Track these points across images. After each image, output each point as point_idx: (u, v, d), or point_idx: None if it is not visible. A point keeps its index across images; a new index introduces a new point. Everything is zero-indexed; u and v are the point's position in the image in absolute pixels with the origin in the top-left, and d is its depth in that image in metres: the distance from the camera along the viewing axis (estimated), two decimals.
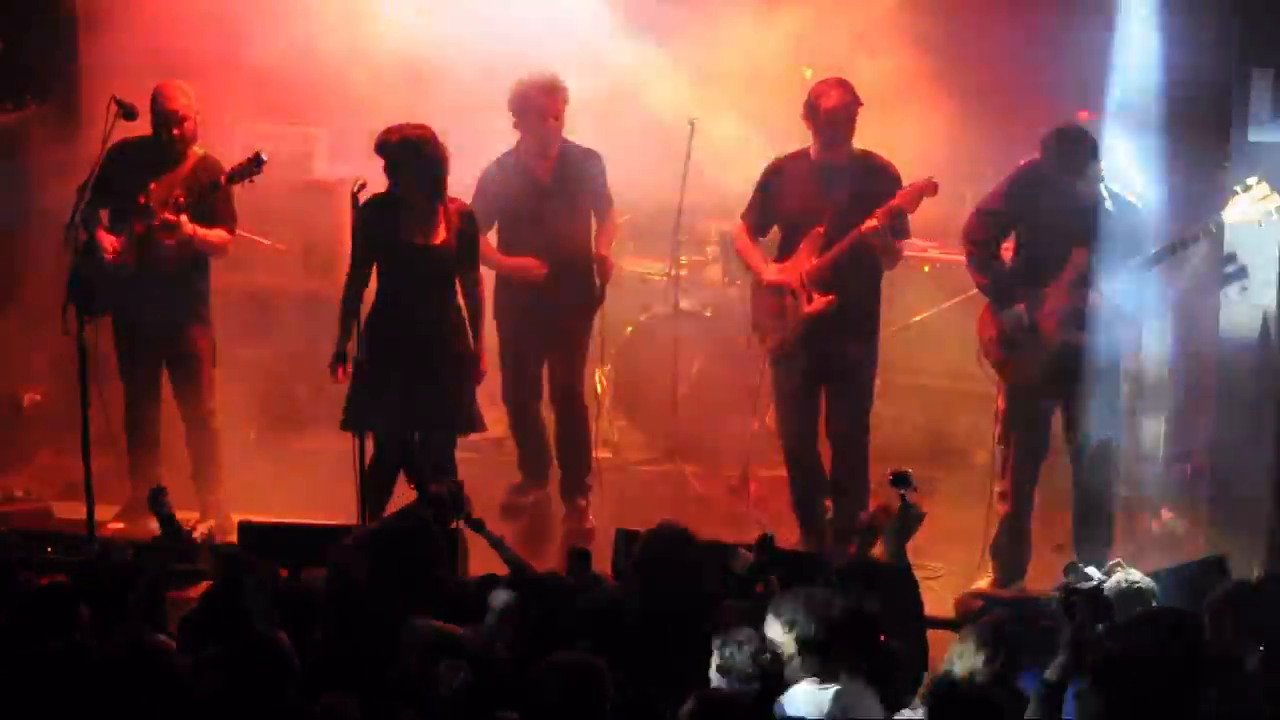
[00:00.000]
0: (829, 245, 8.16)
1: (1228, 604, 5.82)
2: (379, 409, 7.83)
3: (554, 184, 8.63)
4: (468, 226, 7.93)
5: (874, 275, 8.31)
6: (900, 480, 6.41)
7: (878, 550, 6.40)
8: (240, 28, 9.52)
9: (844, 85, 8.13)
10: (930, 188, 8.07)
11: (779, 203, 8.33)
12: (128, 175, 8.32)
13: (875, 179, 8.16)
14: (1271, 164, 8.13)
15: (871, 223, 8.04)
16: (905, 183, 8.16)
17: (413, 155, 7.69)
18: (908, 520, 6.33)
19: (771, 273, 8.32)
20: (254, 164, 8.12)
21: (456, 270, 7.93)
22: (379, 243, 7.84)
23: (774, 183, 8.35)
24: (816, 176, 8.20)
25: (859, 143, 8.22)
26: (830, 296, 8.18)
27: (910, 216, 8.17)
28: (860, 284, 8.23)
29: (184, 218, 8.15)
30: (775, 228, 8.49)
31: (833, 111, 8.08)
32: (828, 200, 8.16)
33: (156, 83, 8.36)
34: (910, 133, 8.85)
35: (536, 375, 8.89)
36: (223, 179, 8.16)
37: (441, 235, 7.85)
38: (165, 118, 8.27)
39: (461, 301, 7.97)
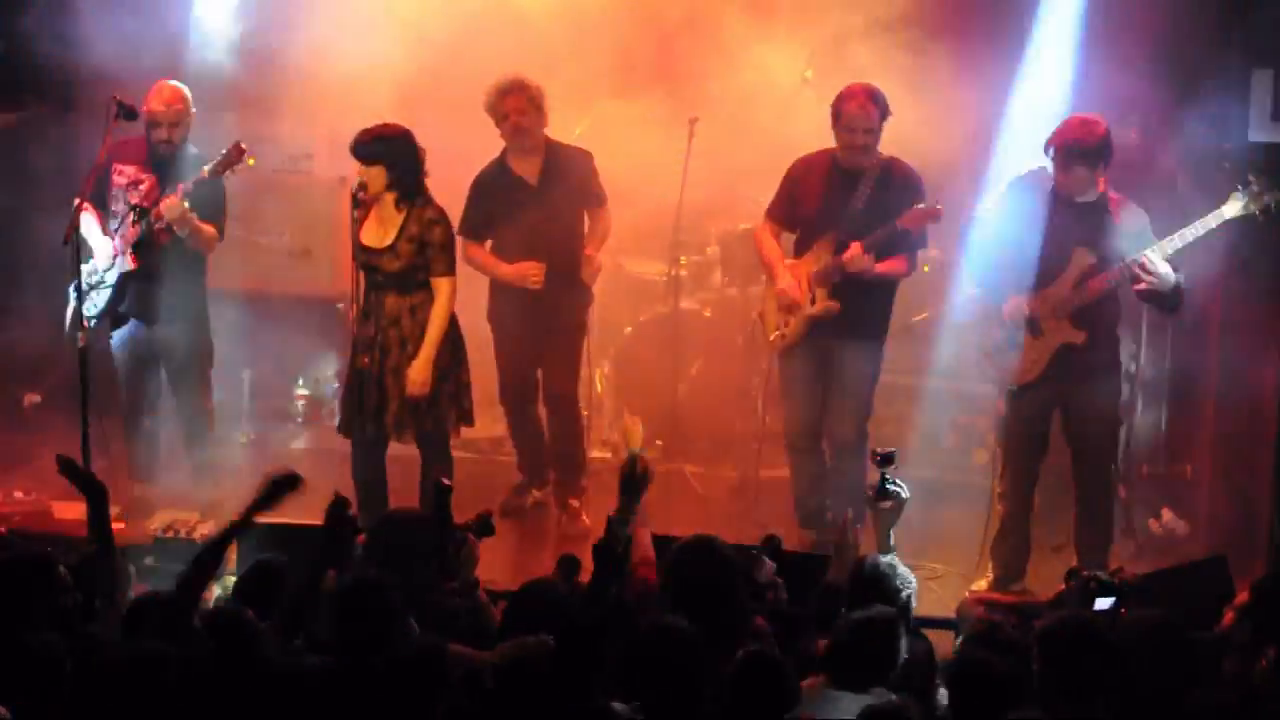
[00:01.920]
0: (842, 247, 8.15)
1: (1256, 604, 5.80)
2: (356, 413, 7.99)
3: (542, 185, 8.62)
4: (435, 232, 7.88)
5: (885, 283, 8.29)
6: (885, 459, 6.41)
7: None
8: (240, 28, 9.52)
9: (868, 93, 8.05)
10: (935, 214, 8.04)
11: (800, 201, 8.31)
12: (123, 175, 8.34)
13: (895, 189, 8.10)
14: (1272, 164, 8.13)
15: (849, 254, 8.02)
16: (927, 194, 8.13)
17: (380, 155, 7.74)
18: (889, 500, 6.32)
19: (785, 280, 8.27)
20: (233, 156, 8.12)
21: (420, 275, 7.90)
22: (354, 245, 7.94)
23: (798, 181, 8.32)
24: (837, 180, 8.17)
25: None
26: (834, 303, 8.17)
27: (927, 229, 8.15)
28: (869, 294, 8.20)
29: (186, 203, 8.15)
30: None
31: (850, 117, 8.05)
32: (845, 205, 8.14)
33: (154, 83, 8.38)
34: (911, 131, 8.84)
35: (532, 377, 8.88)
36: (205, 172, 8.16)
37: (392, 238, 7.86)
38: (152, 121, 8.28)
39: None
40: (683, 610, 5.71)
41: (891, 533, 6.42)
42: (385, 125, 7.82)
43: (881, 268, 8.12)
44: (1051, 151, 7.79)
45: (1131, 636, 5.45)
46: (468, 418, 8.15)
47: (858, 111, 8.05)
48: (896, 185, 8.14)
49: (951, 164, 8.99)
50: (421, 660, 5.16)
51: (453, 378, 8.03)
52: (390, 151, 7.77)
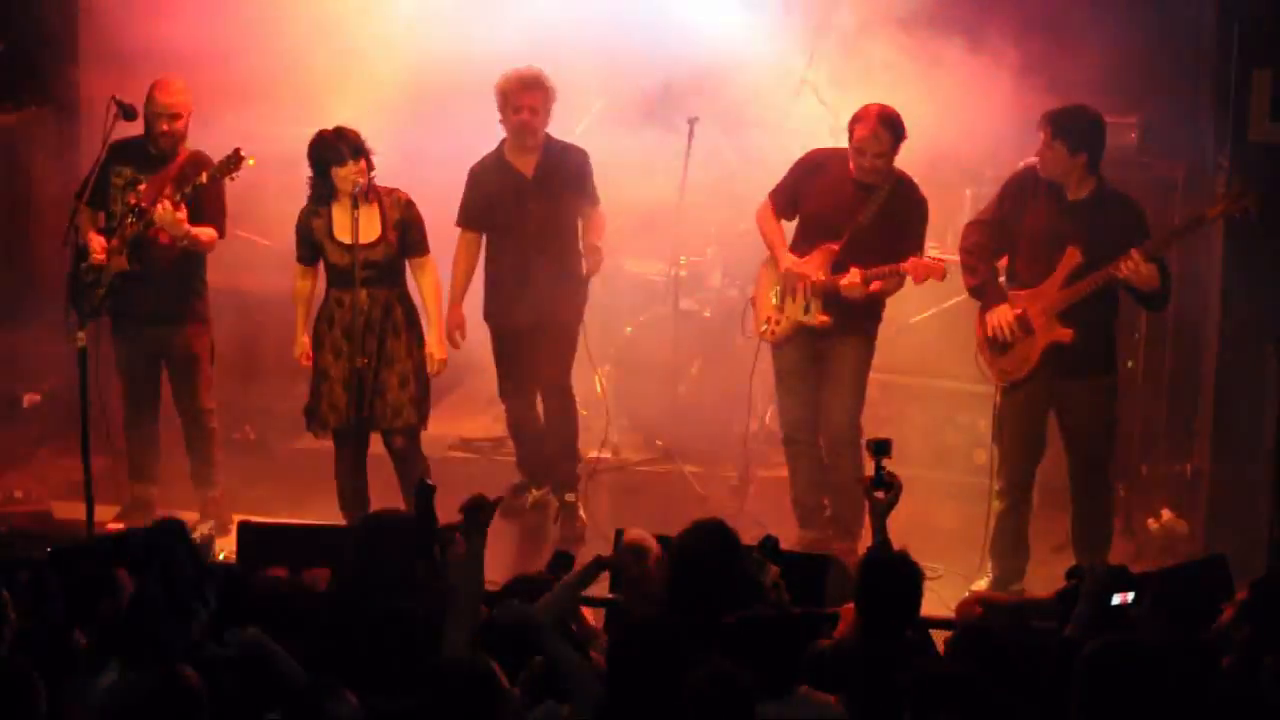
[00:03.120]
0: (838, 266, 8.17)
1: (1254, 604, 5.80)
2: (332, 410, 8.03)
3: (539, 178, 8.62)
4: (414, 212, 8.06)
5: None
6: (880, 448, 6.42)
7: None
8: (240, 28, 9.52)
9: (881, 116, 8.04)
10: (938, 273, 8.14)
11: (807, 198, 8.33)
12: (121, 175, 8.35)
13: (903, 211, 8.15)
14: (1272, 164, 8.14)
15: (847, 280, 8.08)
16: (928, 221, 8.24)
17: (364, 152, 7.86)
18: (885, 491, 6.33)
19: (789, 259, 8.32)
20: (233, 160, 8.14)
21: (403, 261, 8.06)
22: (313, 242, 8.07)
23: (809, 175, 8.33)
24: (848, 189, 8.18)
25: None
26: (826, 318, 8.22)
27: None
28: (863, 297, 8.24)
29: (182, 210, 8.16)
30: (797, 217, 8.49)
31: (861, 141, 8.06)
32: (851, 216, 8.16)
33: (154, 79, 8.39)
34: (911, 129, 8.85)
35: (529, 372, 8.89)
36: (204, 177, 8.17)
37: (379, 230, 7.96)
38: (157, 113, 8.29)
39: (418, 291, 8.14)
40: (684, 588, 5.76)
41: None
42: (335, 127, 7.92)
43: (873, 288, 8.17)
44: (1039, 129, 7.81)
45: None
46: (426, 418, 8.23)
47: (868, 136, 8.04)
48: (904, 206, 8.17)
49: (953, 161, 9.01)
50: None
51: (423, 374, 8.13)
52: (365, 149, 7.89)
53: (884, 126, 8.03)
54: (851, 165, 8.16)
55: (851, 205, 8.16)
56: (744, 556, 5.99)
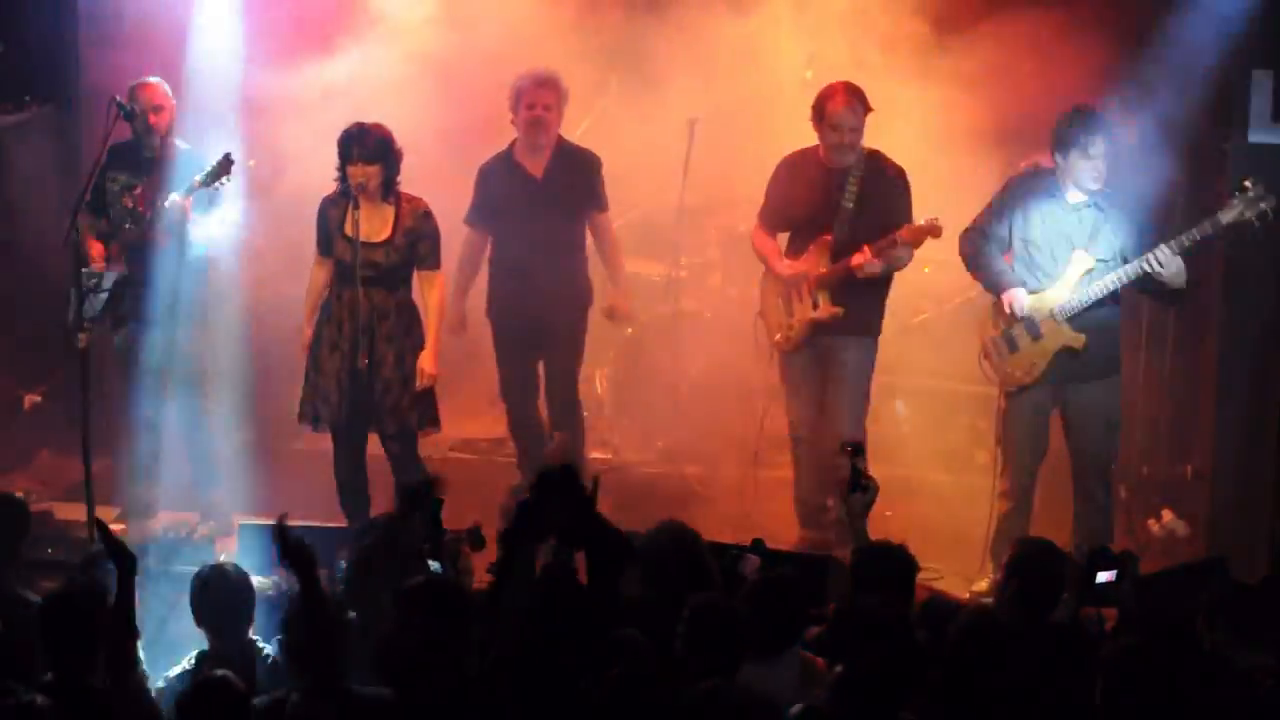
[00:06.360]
0: (837, 253, 8.19)
1: (1222, 606, 5.83)
2: (324, 404, 8.06)
3: (547, 180, 8.63)
4: (430, 225, 8.02)
5: (880, 283, 8.33)
6: (854, 450, 6.44)
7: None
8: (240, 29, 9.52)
9: (850, 90, 8.13)
10: (935, 231, 8.09)
11: (789, 203, 8.37)
12: (116, 180, 8.35)
13: (883, 185, 8.19)
14: (1271, 164, 8.14)
15: (860, 259, 8.10)
16: (911, 189, 8.23)
17: (379, 155, 7.85)
18: (862, 493, 6.35)
19: (785, 266, 8.35)
20: (224, 167, 8.17)
21: (407, 269, 8.03)
22: (327, 238, 8.04)
23: (784, 182, 8.38)
24: (825, 180, 8.23)
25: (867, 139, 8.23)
26: (837, 310, 8.22)
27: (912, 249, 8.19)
28: (865, 291, 8.26)
29: (189, 200, 8.17)
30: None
31: (836, 115, 8.10)
32: (836, 206, 8.19)
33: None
34: (911, 130, 8.85)
35: (532, 373, 8.88)
36: (196, 182, 8.17)
37: (387, 233, 7.95)
38: (142, 109, 8.31)
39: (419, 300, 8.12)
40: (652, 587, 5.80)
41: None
42: (376, 125, 7.91)
43: (884, 259, 8.18)
44: (1074, 138, 7.78)
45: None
46: (437, 421, 8.21)
47: (843, 109, 8.10)
48: (883, 180, 8.22)
49: (953, 161, 9.01)
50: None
51: (412, 384, 8.12)
52: (387, 151, 7.87)
53: (854, 98, 8.10)
54: (824, 150, 8.19)
55: (832, 194, 8.20)
56: (706, 553, 6.03)
